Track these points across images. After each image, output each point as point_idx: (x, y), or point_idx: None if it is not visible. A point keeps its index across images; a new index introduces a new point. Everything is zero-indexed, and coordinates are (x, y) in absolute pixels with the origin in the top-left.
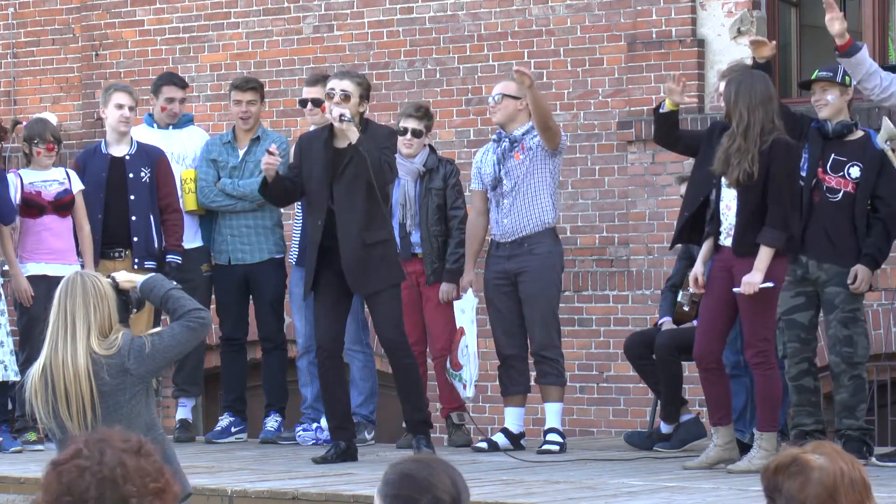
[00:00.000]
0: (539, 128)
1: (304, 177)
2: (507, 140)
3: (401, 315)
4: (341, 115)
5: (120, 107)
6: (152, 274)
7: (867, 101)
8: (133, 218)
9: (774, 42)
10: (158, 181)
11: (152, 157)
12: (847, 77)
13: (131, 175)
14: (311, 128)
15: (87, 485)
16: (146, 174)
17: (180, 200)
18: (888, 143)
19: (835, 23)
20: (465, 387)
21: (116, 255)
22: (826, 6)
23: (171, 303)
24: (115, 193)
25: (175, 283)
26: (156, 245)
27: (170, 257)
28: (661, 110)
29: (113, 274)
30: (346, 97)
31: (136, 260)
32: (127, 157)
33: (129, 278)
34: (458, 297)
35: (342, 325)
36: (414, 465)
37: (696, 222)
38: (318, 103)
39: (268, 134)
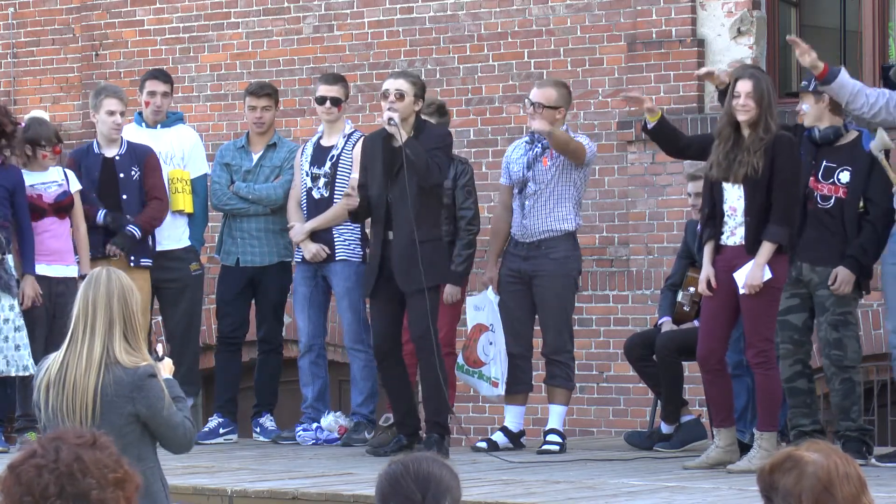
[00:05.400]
0: (560, 154)
1: (368, 178)
2: (539, 145)
3: (436, 316)
4: (390, 119)
5: (111, 113)
6: (172, 379)
7: None
8: (126, 217)
9: (726, 69)
10: (146, 175)
11: (141, 156)
12: None
13: (122, 175)
14: (320, 127)
15: (46, 482)
16: (136, 173)
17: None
18: (881, 152)
19: (804, 57)
20: (496, 384)
21: (112, 254)
22: (791, 42)
23: (178, 404)
24: (108, 193)
25: (184, 394)
26: (150, 243)
27: (130, 227)
28: (648, 127)
29: (165, 361)
30: (400, 96)
31: (132, 257)
32: (117, 158)
33: (167, 373)
34: (462, 299)
35: (398, 324)
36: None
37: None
38: (336, 102)
39: (284, 142)
